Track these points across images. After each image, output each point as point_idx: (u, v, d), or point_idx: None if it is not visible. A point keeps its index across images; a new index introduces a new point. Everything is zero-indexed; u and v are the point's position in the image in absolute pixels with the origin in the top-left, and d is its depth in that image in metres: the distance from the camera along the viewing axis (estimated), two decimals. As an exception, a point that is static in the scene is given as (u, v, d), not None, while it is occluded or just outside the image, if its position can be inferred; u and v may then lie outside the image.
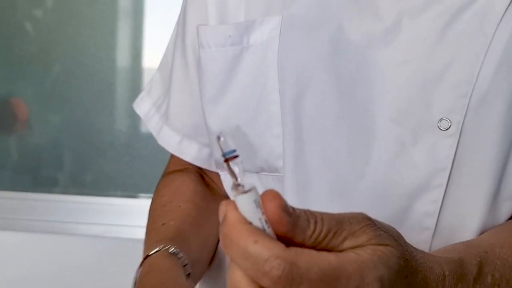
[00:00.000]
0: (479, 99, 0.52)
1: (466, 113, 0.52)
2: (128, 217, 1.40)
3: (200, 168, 0.75)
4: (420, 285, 0.39)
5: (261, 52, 0.60)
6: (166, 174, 0.76)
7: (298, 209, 0.35)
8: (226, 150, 0.35)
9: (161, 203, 0.70)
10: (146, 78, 1.47)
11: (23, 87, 1.51)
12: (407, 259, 0.38)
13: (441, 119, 0.53)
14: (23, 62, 1.52)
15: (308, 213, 0.35)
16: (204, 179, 0.75)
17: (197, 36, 0.65)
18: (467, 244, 0.49)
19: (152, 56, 1.51)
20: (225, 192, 0.71)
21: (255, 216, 0.34)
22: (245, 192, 0.34)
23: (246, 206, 0.34)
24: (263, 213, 0.34)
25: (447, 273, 0.42)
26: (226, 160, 0.35)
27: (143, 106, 0.77)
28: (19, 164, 1.51)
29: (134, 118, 1.45)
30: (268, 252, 0.33)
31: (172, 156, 0.76)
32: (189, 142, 0.72)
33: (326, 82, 0.56)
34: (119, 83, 1.51)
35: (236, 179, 0.35)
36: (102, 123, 1.48)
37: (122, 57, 1.52)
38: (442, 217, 0.54)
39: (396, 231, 0.40)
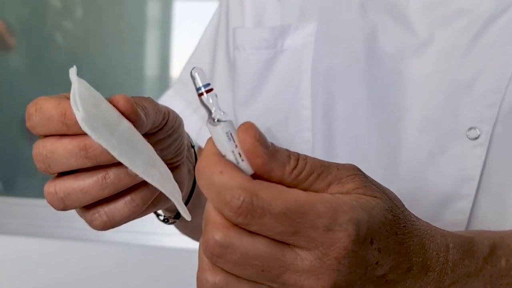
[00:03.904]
0: (509, 109, 0.52)
1: (495, 122, 0.52)
2: (155, 225, 1.41)
3: None
4: (415, 249, 0.37)
5: (295, 57, 0.61)
6: None
7: (280, 146, 0.34)
8: (200, 84, 0.35)
9: None
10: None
11: (53, 96, 1.54)
12: (398, 217, 0.36)
13: (470, 128, 0.52)
14: (53, 72, 1.55)
15: (291, 151, 0.34)
16: None
17: (233, 38, 0.66)
18: (483, 229, 0.47)
19: (181, 65, 1.52)
20: None
21: (228, 149, 0.34)
22: (218, 124, 0.34)
23: (219, 138, 0.34)
24: (236, 146, 0.33)
25: (451, 245, 0.39)
26: (201, 94, 0.35)
27: (174, 105, 0.76)
28: (48, 172, 1.54)
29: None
30: (231, 182, 0.32)
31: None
32: None
33: (358, 90, 0.57)
34: (147, 93, 1.52)
35: (211, 112, 0.35)
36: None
37: (150, 67, 1.54)
38: (470, 227, 0.54)
39: (395, 194, 0.38)
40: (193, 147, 0.55)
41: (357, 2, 0.58)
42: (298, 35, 0.61)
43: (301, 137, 0.60)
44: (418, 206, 0.54)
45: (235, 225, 0.33)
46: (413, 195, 0.54)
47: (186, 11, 1.54)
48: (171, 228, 0.70)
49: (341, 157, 0.58)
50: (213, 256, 0.33)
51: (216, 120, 0.34)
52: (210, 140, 0.34)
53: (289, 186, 0.33)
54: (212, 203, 0.33)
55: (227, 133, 0.34)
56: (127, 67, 1.52)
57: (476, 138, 0.52)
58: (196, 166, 0.34)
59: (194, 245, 0.72)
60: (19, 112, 1.56)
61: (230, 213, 0.32)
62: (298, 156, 0.34)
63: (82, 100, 0.37)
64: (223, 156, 0.34)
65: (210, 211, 0.33)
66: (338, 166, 0.35)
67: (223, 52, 0.71)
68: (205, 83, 0.35)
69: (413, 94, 0.55)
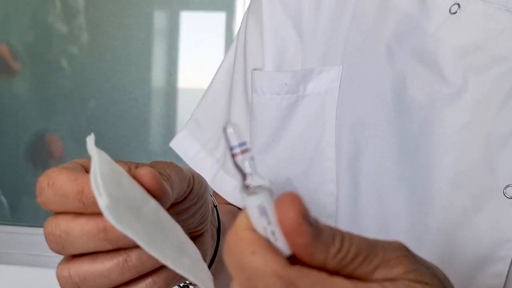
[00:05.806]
0: None
1: None
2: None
3: None
4: None
5: (318, 103, 0.58)
6: None
7: (324, 224, 0.30)
8: (234, 143, 0.29)
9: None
10: (181, 118, 1.46)
11: (58, 123, 1.52)
12: None
13: (507, 186, 0.49)
14: (59, 98, 1.52)
15: (334, 229, 0.30)
16: None
17: (251, 80, 0.62)
18: None
19: (187, 77, 1.50)
20: None
21: (259, 225, 0.28)
22: (251, 194, 0.28)
23: (251, 212, 0.28)
24: (269, 223, 0.28)
25: None
26: (234, 155, 0.29)
27: (188, 147, 0.72)
28: (54, 200, 1.51)
29: (169, 154, 1.44)
30: (265, 267, 0.27)
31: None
32: None
33: (386, 141, 0.54)
34: (154, 105, 1.50)
35: (245, 178, 0.29)
36: (137, 159, 1.47)
37: (157, 78, 1.52)
38: None
39: (442, 272, 0.33)
40: (215, 206, 0.52)
41: (384, 45, 0.55)
42: (321, 80, 0.58)
43: (325, 190, 0.57)
44: (451, 269, 0.51)
45: None
46: (445, 256, 0.51)
47: (192, 22, 1.53)
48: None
49: (367, 213, 0.55)
50: None
51: (251, 187, 0.29)
52: (244, 212, 0.29)
53: (331, 270, 0.29)
54: (241, 286, 0.29)
55: (258, 206, 0.28)
56: (133, 93, 1.50)
57: None
58: (225, 240, 0.30)
59: None
60: (23, 138, 1.54)
61: None
62: (343, 236, 0.29)
63: (104, 181, 0.33)
64: (257, 232, 0.29)
65: None
66: (385, 245, 0.31)
67: (240, 92, 0.67)
68: (240, 141, 0.29)
69: (446, 146, 0.51)
